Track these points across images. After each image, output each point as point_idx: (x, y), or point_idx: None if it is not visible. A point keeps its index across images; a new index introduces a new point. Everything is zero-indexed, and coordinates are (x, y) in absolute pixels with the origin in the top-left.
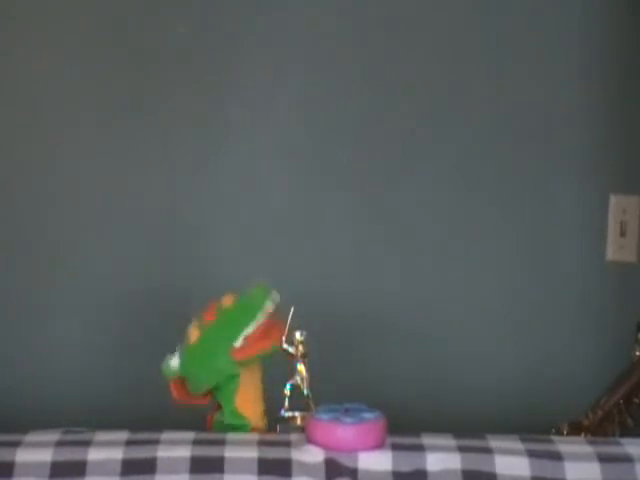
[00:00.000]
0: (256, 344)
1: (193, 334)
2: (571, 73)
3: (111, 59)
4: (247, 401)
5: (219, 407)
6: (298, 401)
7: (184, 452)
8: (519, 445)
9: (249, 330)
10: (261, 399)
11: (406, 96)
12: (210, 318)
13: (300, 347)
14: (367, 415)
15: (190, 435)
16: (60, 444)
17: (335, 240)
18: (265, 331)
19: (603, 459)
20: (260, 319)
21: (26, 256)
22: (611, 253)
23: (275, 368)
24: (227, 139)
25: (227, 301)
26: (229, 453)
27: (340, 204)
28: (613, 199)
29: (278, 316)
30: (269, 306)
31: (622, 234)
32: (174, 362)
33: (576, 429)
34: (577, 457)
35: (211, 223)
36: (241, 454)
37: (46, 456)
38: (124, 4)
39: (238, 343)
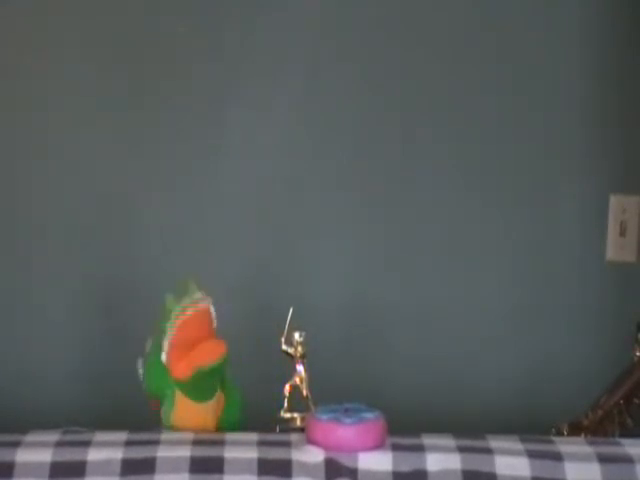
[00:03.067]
0: (191, 359)
1: (148, 343)
2: (571, 73)
3: (111, 59)
4: (183, 423)
5: None
6: (297, 402)
7: (184, 452)
8: (519, 445)
9: (170, 336)
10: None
11: (406, 96)
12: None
13: (299, 348)
14: (367, 415)
15: (190, 435)
16: (60, 444)
17: (335, 240)
18: (200, 343)
19: (603, 460)
20: (176, 322)
21: (26, 256)
22: (611, 253)
23: (274, 369)
24: (227, 139)
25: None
26: (229, 453)
27: (340, 204)
28: (613, 199)
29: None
30: (186, 306)
31: (622, 234)
32: (139, 368)
33: (576, 429)
34: (577, 457)
35: (211, 223)
36: (241, 454)
37: (46, 456)
38: (124, 4)
39: (164, 351)
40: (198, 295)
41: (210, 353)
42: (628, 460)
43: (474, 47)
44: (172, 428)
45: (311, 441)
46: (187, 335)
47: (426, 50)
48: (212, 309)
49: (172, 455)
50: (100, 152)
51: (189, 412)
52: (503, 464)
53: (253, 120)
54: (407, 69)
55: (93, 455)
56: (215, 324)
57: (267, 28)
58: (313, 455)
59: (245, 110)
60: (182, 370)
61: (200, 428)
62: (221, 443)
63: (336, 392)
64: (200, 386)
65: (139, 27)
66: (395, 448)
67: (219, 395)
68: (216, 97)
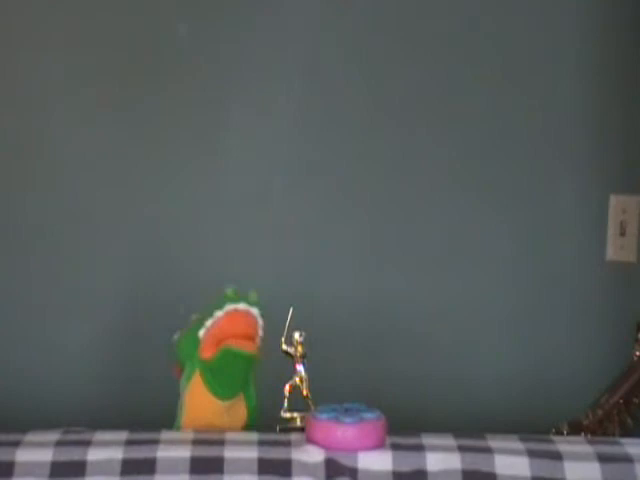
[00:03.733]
0: (222, 340)
1: (193, 319)
2: (571, 73)
3: (111, 60)
4: (191, 412)
5: None
6: (297, 402)
7: (184, 452)
8: (519, 445)
9: (210, 321)
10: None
11: (406, 96)
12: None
13: (299, 348)
14: (367, 415)
15: (190, 435)
16: (60, 444)
17: (335, 240)
18: (237, 331)
19: (603, 459)
20: (220, 314)
21: (26, 256)
22: (611, 253)
23: (274, 369)
24: (227, 139)
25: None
26: (229, 453)
27: (340, 204)
28: (613, 199)
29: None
30: (233, 305)
31: (622, 234)
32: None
33: (576, 429)
34: (577, 457)
35: (211, 223)
36: (241, 454)
37: (46, 456)
38: (124, 4)
39: (205, 327)
40: (256, 306)
41: (242, 342)
42: (628, 460)
43: (474, 47)
44: (183, 410)
45: (311, 441)
46: (230, 327)
47: (426, 50)
48: (261, 321)
49: (172, 455)
50: (100, 152)
51: (201, 400)
52: (503, 464)
53: (253, 120)
54: (407, 69)
55: (93, 455)
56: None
57: (267, 28)
58: (313, 455)
59: (245, 110)
60: (212, 349)
61: (206, 425)
62: (221, 443)
63: (336, 392)
64: (220, 375)
65: (139, 27)
66: (395, 448)
67: (238, 403)
68: (216, 97)
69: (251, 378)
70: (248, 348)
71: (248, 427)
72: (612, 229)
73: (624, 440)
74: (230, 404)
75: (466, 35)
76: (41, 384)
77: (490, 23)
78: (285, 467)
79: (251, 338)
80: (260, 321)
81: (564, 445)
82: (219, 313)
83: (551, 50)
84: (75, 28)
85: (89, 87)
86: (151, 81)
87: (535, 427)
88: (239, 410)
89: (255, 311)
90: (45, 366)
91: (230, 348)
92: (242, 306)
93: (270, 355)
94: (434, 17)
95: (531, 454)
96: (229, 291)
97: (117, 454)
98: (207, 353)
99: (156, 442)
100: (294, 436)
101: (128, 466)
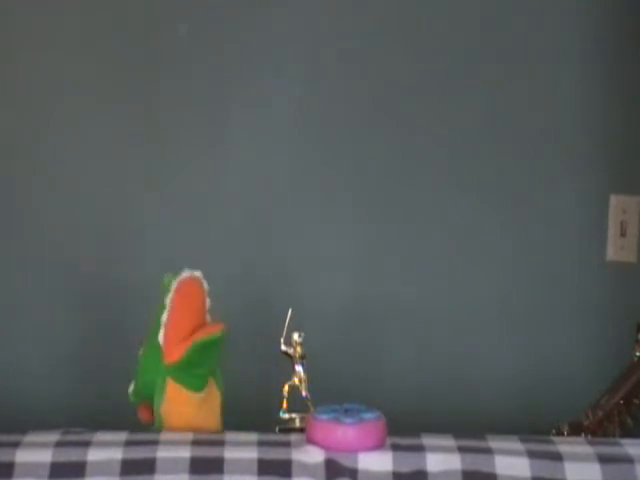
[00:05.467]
0: (188, 338)
1: (143, 347)
2: (571, 73)
3: (111, 60)
4: (172, 417)
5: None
6: (296, 402)
7: (183, 452)
8: (519, 445)
9: (163, 318)
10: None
11: (406, 96)
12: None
13: (298, 348)
14: (367, 415)
15: (190, 435)
16: (60, 444)
17: (335, 240)
18: (191, 324)
19: (603, 460)
20: (170, 302)
21: (26, 256)
22: (611, 253)
23: (273, 369)
24: (227, 139)
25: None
26: (229, 453)
27: (340, 204)
28: (613, 199)
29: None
30: (174, 285)
31: (622, 234)
32: (130, 388)
33: (576, 429)
34: (577, 458)
35: (211, 223)
36: (241, 454)
37: (46, 456)
38: (124, 4)
39: (160, 335)
40: (194, 272)
41: (208, 330)
42: (628, 460)
43: (474, 47)
44: (162, 423)
45: (311, 441)
46: (185, 307)
47: (426, 50)
48: (204, 282)
49: (172, 455)
50: (100, 152)
51: (179, 401)
52: (503, 464)
53: (253, 120)
54: (407, 69)
55: (93, 455)
56: (209, 303)
57: (267, 28)
58: (313, 455)
59: (245, 110)
60: (178, 350)
61: (191, 423)
62: (221, 443)
63: (335, 393)
64: (191, 369)
65: (139, 27)
66: (395, 448)
67: (212, 392)
68: (216, 97)
69: (218, 359)
70: (216, 330)
71: (224, 411)
72: (612, 229)
73: (624, 441)
74: (206, 393)
75: (466, 35)
76: (41, 384)
77: (490, 23)
78: (285, 468)
79: (205, 312)
80: (204, 282)
81: (564, 446)
82: (168, 298)
83: (551, 50)
84: (75, 28)
85: (89, 87)
86: (151, 81)
87: (535, 427)
88: (213, 397)
89: (198, 274)
90: (45, 366)
91: (201, 340)
92: (185, 274)
93: (270, 356)
94: (434, 17)
95: (531, 455)
96: (166, 278)
97: (117, 454)
98: (174, 356)
99: (156, 442)
100: (294, 437)
101: (128, 466)
